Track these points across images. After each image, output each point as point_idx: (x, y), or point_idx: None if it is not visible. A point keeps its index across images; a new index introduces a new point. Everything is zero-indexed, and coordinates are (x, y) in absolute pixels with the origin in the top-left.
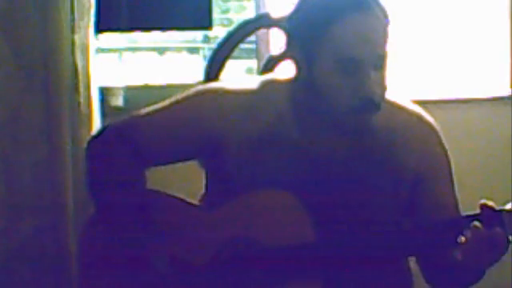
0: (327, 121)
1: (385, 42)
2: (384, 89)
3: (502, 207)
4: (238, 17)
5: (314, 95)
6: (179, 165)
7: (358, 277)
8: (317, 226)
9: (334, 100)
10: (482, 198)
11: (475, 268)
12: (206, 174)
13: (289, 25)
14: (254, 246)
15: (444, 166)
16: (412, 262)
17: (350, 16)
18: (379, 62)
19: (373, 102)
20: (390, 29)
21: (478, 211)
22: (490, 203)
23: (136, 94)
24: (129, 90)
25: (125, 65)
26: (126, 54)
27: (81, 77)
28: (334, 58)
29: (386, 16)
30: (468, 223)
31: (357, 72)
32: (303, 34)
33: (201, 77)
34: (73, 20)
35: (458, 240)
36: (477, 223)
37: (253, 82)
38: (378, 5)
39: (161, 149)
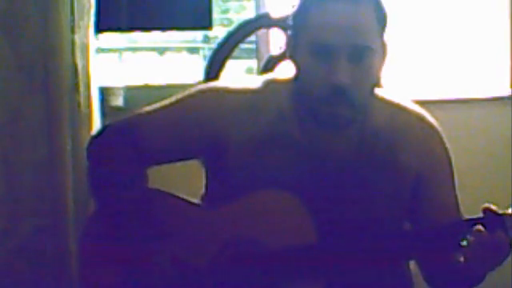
0: (306, 111)
1: (368, 35)
2: (363, 84)
3: (504, 211)
4: (238, 17)
5: (297, 84)
6: (179, 165)
7: (359, 278)
8: (318, 227)
9: (307, 87)
10: (482, 198)
11: (477, 272)
12: (207, 173)
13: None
14: (255, 246)
15: (445, 167)
16: (412, 264)
17: (330, 4)
18: (359, 54)
19: (341, 91)
20: (385, 27)
21: (480, 215)
22: (493, 207)
23: (136, 93)
24: (129, 90)
25: (125, 65)
26: (126, 54)
27: (81, 77)
28: (309, 42)
29: (378, 11)
30: (470, 227)
31: (327, 59)
32: (293, 22)
33: (201, 77)
34: (73, 20)
35: (461, 244)
36: (479, 227)
37: (254, 81)
38: (371, 0)
39: (161, 148)
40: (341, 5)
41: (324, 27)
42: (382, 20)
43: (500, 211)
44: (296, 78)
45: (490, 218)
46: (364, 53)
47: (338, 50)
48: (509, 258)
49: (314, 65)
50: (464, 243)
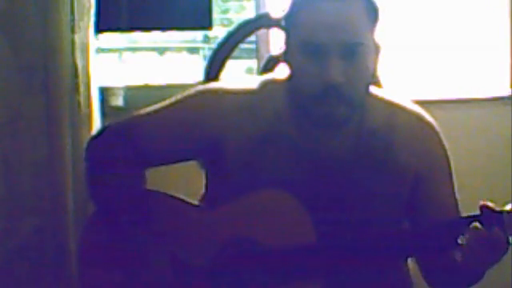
0: (300, 111)
1: (359, 31)
2: (357, 81)
3: (502, 208)
4: (238, 17)
5: (291, 84)
6: (179, 165)
7: (358, 278)
8: (317, 226)
9: (301, 87)
10: (481, 198)
11: (475, 269)
12: (206, 173)
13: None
14: (254, 246)
15: (444, 167)
16: (412, 263)
17: (319, 3)
18: (350, 52)
19: (334, 88)
20: (377, 22)
21: (478, 212)
22: (490, 204)
23: (136, 93)
24: (129, 89)
25: (125, 65)
26: (126, 54)
27: (81, 77)
28: (299, 42)
29: (369, 7)
30: (468, 224)
31: (319, 57)
32: (285, 23)
33: (201, 77)
34: (73, 20)
35: (458, 241)
36: (477, 224)
37: (252, 81)
38: None
39: (160, 149)
40: (329, 3)
41: (314, 26)
42: (372, 15)
43: (497, 208)
44: (290, 78)
45: (488, 215)
46: (356, 49)
47: (329, 48)
48: (507, 256)
49: (306, 64)
50: (462, 241)
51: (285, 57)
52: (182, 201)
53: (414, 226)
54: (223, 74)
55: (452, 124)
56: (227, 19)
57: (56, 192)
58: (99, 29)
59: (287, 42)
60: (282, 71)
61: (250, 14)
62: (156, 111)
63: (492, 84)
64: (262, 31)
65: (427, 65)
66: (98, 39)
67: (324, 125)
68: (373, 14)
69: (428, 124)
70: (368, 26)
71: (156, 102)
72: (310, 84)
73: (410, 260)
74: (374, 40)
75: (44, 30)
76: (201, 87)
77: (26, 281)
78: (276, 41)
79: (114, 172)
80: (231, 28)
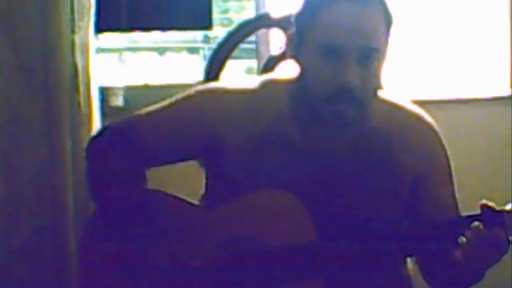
0: (309, 110)
1: (377, 37)
2: (369, 85)
3: (502, 208)
4: (238, 17)
5: (301, 83)
6: (179, 165)
7: (358, 277)
8: (317, 226)
9: (313, 86)
10: (481, 198)
11: (475, 269)
12: (206, 173)
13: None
14: (254, 245)
15: (444, 166)
16: (412, 263)
17: (340, 4)
18: (366, 56)
19: (348, 91)
20: (391, 28)
21: (478, 212)
22: (491, 204)
23: (136, 93)
24: (129, 89)
25: (125, 65)
26: (126, 54)
27: (81, 77)
28: (317, 42)
29: (386, 13)
30: (468, 224)
31: (336, 59)
32: (298, 21)
33: (201, 77)
34: (73, 20)
35: (459, 240)
36: (477, 224)
37: (253, 81)
38: (380, 1)
39: (160, 149)
40: (350, 6)
41: (334, 29)
42: (388, 21)
43: (498, 208)
44: (300, 77)
45: (488, 214)
46: (372, 55)
47: (347, 52)
48: (507, 256)
49: (322, 65)
50: (462, 240)
51: (295, 56)
52: (183, 200)
53: (414, 225)
54: (223, 74)
55: (452, 124)
56: (227, 19)
57: (56, 192)
58: (99, 29)
59: (299, 41)
60: (282, 71)
61: (250, 13)
62: (156, 111)
63: (492, 84)
64: (261, 31)
65: (427, 65)
66: (98, 39)
67: (333, 124)
68: (389, 20)
69: (428, 124)
70: (384, 32)
71: (156, 102)
72: (323, 84)
73: (409, 260)
74: (387, 46)
75: (44, 30)
76: (200, 87)
77: (26, 281)
78: (276, 41)
79: (115, 172)
80: (231, 28)
